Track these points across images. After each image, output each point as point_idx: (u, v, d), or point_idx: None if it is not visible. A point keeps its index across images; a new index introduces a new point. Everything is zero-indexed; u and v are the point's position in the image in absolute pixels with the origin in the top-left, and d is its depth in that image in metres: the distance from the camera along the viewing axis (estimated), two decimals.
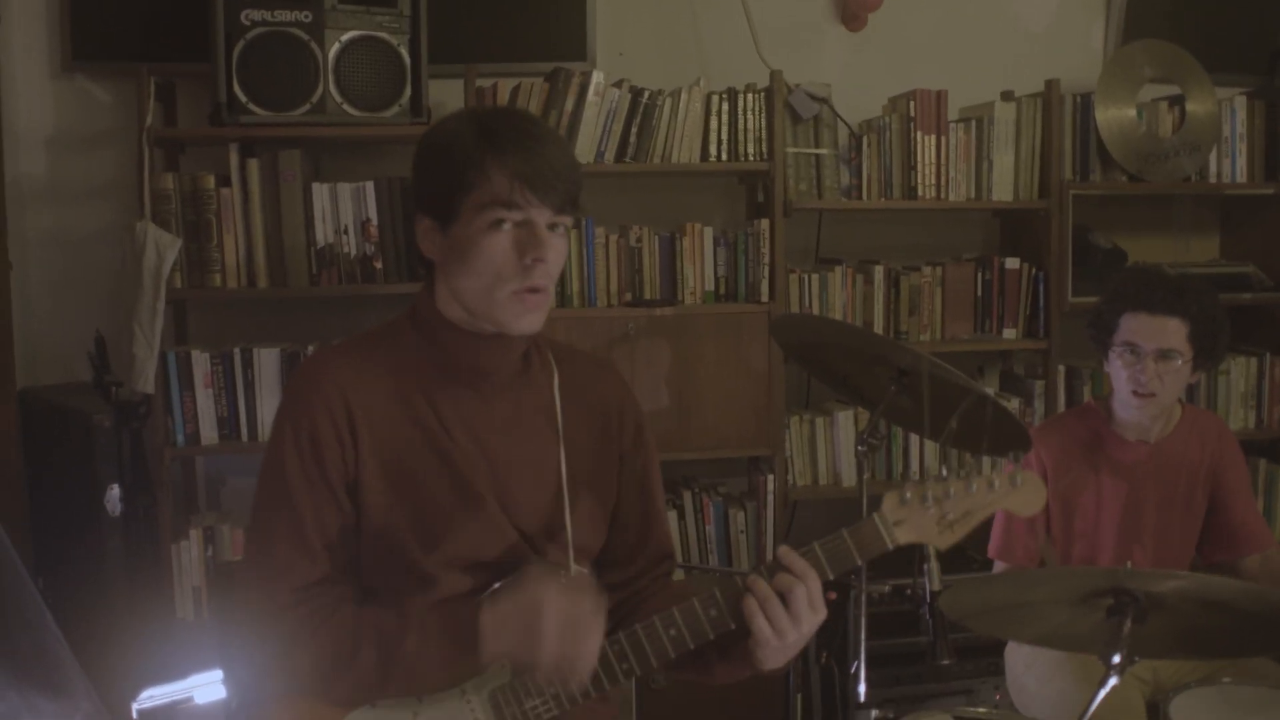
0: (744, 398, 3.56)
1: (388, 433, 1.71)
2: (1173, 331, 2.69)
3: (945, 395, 2.12)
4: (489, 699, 1.70)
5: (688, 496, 3.66)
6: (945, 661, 2.47)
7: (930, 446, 3.45)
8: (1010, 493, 1.70)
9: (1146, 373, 2.69)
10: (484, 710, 1.70)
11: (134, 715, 2.71)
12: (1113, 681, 2.00)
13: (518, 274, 1.66)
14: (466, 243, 1.66)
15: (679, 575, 1.92)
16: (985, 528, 2.96)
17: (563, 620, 1.60)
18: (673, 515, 3.62)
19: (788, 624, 1.65)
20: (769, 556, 3.64)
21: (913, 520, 1.69)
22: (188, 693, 2.75)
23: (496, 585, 1.70)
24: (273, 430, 1.75)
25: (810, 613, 1.66)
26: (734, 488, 3.80)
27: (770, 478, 3.61)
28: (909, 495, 1.69)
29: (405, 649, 1.65)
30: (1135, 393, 2.72)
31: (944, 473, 1.72)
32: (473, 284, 1.68)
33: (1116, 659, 1.98)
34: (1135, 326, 2.71)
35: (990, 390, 3.83)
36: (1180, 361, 2.70)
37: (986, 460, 1.74)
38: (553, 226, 1.69)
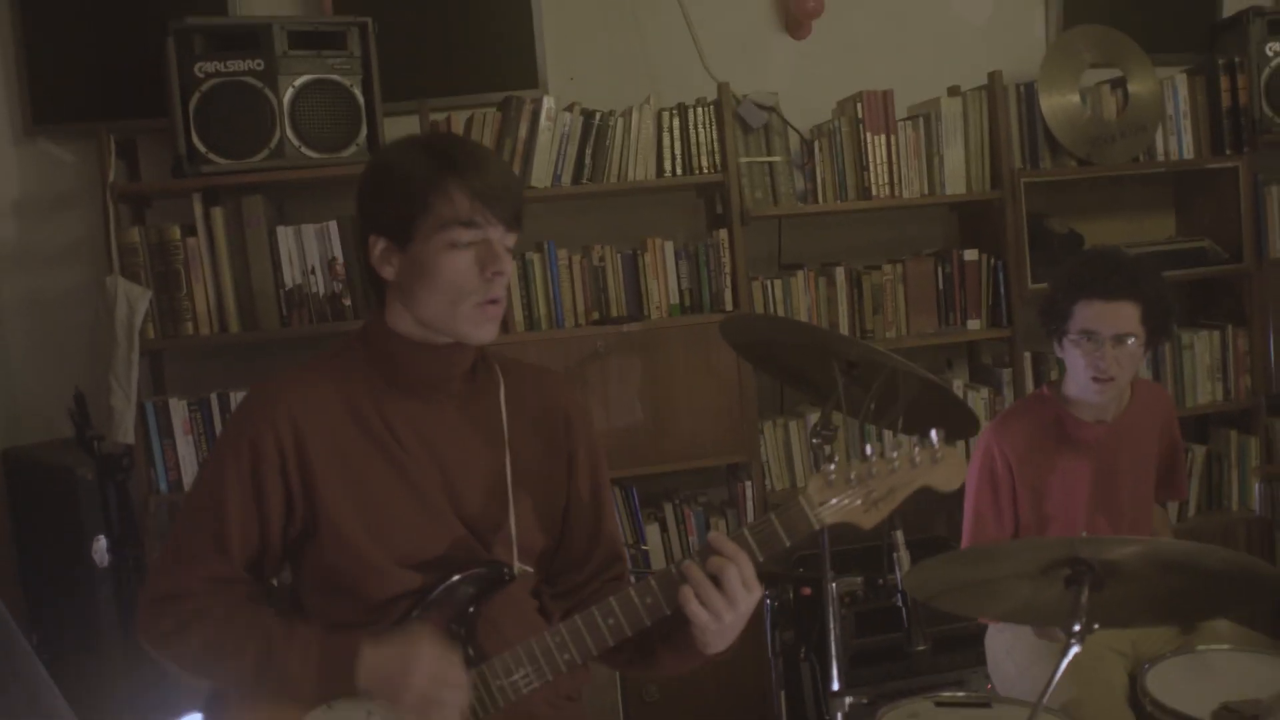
0: (717, 407, 3.61)
1: (340, 443, 1.79)
2: (1127, 316, 2.74)
3: (894, 382, 2.17)
4: None
5: (669, 509, 3.71)
6: (920, 648, 2.53)
7: (889, 437, 3.51)
8: (932, 468, 1.75)
9: (1105, 359, 2.74)
10: None
11: None
12: (1074, 649, 2.04)
13: (479, 288, 1.76)
14: (427, 261, 1.75)
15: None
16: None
17: (428, 679, 1.69)
18: (655, 528, 3.67)
19: (723, 605, 1.71)
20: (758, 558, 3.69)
21: (838, 500, 1.75)
22: None
23: (383, 626, 1.78)
24: (218, 439, 1.85)
25: (745, 592, 1.71)
26: (714, 497, 3.85)
27: (749, 484, 3.66)
28: (834, 476, 1.74)
29: (285, 661, 1.74)
30: (1095, 379, 2.77)
31: (869, 452, 1.76)
32: (435, 300, 1.76)
33: (1076, 627, 2.02)
34: (1091, 314, 2.76)
35: (958, 381, 3.90)
36: (1135, 344, 2.76)
37: (908, 439, 1.79)
38: (504, 238, 1.78)
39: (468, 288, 1.75)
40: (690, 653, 1.80)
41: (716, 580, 1.71)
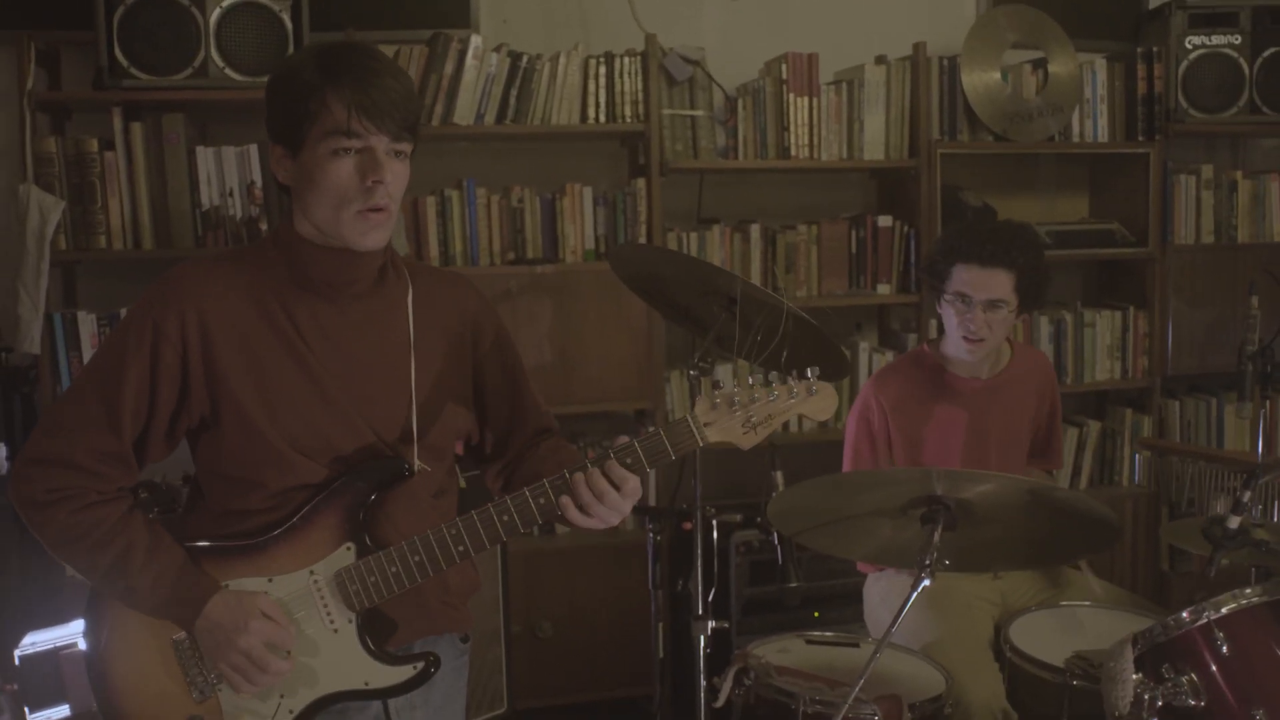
0: (625, 353, 3.68)
1: (244, 332, 1.83)
2: (1000, 283, 2.86)
3: (775, 325, 2.24)
4: (334, 578, 1.85)
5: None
6: (794, 584, 2.60)
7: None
8: (807, 399, 1.84)
9: (976, 321, 2.86)
10: (329, 587, 1.85)
11: (16, 661, 2.77)
12: (925, 583, 2.14)
13: (360, 195, 1.80)
14: (313, 168, 1.80)
15: None
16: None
17: (259, 644, 1.79)
18: None
19: (604, 514, 1.83)
20: (650, 500, 3.77)
21: (721, 422, 1.84)
22: (71, 639, 2.81)
23: (240, 583, 1.85)
24: (123, 317, 1.89)
25: (624, 502, 1.83)
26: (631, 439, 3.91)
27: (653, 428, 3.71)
28: (718, 400, 1.84)
29: (139, 577, 1.81)
30: (966, 338, 2.88)
31: (751, 381, 1.85)
32: (320, 205, 1.82)
33: (927, 561, 2.12)
34: (967, 278, 2.87)
35: (865, 344, 3.99)
36: (1006, 310, 2.87)
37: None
38: (394, 153, 1.82)
39: (349, 195, 1.79)
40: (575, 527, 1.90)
41: (600, 497, 1.80)
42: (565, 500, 1.81)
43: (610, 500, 1.81)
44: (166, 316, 1.81)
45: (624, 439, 1.85)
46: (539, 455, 2.03)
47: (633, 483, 1.83)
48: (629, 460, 1.82)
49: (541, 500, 1.83)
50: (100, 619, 1.89)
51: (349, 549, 1.85)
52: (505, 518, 1.84)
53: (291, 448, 1.84)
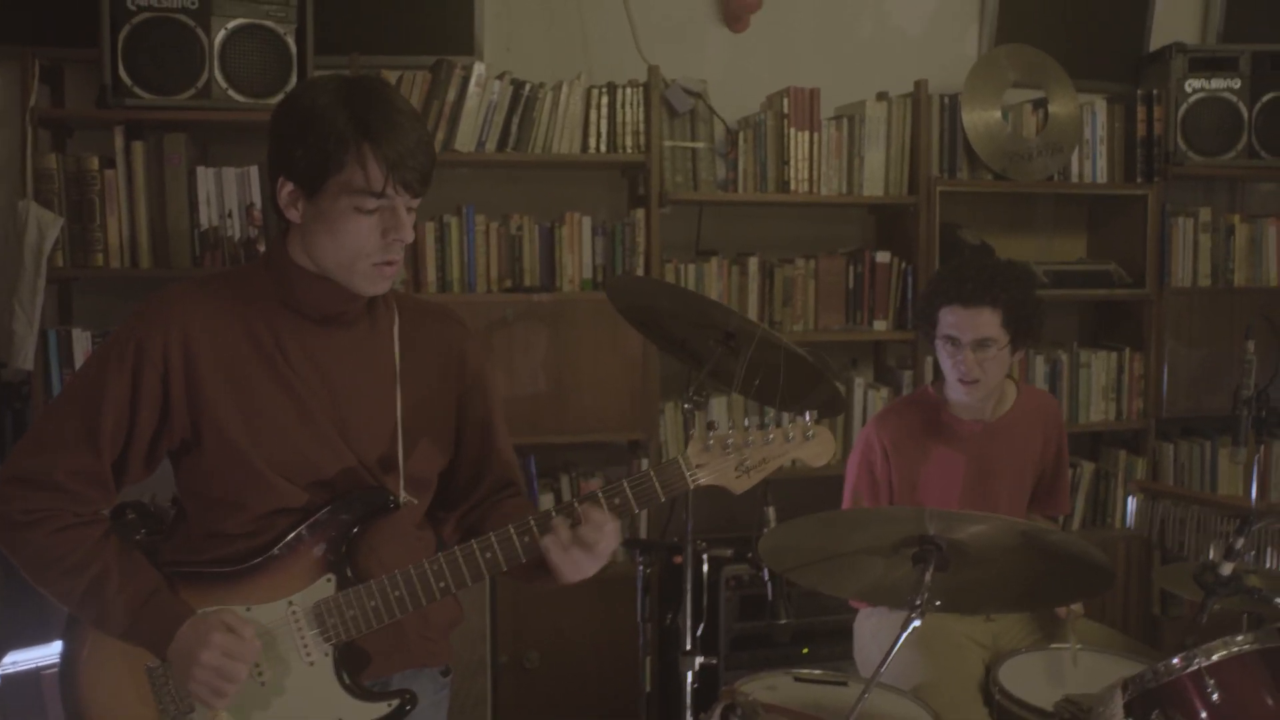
0: (619, 383, 3.67)
1: (230, 355, 1.82)
2: (986, 321, 2.83)
3: (770, 360, 2.24)
4: (313, 609, 1.83)
5: (565, 480, 3.76)
6: (783, 621, 2.60)
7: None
8: (803, 444, 1.83)
9: (967, 362, 2.84)
10: (307, 618, 1.83)
11: None
12: (915, 623, 2.12)
13: (379, 250, 1.80)
14: (333, 217, 1.78)
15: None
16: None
17: (219, 656, 1.75)
18: (549, 498, 3.72)
19: (583, 561, 1.81)
20: (641, 534, 3.76)
21: (713, 464, 1.83)
22: (53, 659, 2.78)
23: (266, 539, 1.85)
24: (108, 338, 1.87)
25: (607, 546, 1.81)
26: (612, 473, 3.90)
27: (645, 462, 3.71)
28: (711, 442, 1.83)
29: (113, 604, 1.79)
30: (960, 380, 2.87)
31: (746, 424, 1.84)
32: (334, 254, 1.80)
33: (918, 601, 2.10)
34: (952, 320, 2.85)
35: (861, 380, 3.98)
36: (996, 348, 2.84)
37: (786, 414, 1.87)
38: (410, 208, 1.82)
39: (367, 249, 1.79)
40: (551, 580, 1.87)
41: (582, 540, 1.79)
42: (547, 542, 1.79)
43: (591, 545, 1.79)
44: (150, 337, 1.80)
45: (617, 483, 1.83)
46: (503, 512, 2.00)
47: (613, 529, 1.81)
48: (617, 500, 1.81)
49: (526, 539, 1.81)
50: (77, 642, 1.87)
51: (329, 580, 1.84)
52: (488, 555, 1.82)
53: (273, 471, 1.82)
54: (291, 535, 1.84)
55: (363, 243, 1.78)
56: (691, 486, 1.83)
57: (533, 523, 1.81)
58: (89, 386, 1.81)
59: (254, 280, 1.89)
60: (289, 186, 1.80)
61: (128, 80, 3.30)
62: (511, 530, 1.81)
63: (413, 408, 1.92)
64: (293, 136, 1.79)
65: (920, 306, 2.95)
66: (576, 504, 1.81)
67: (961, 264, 2.98)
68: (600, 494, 1.81)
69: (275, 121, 1.82)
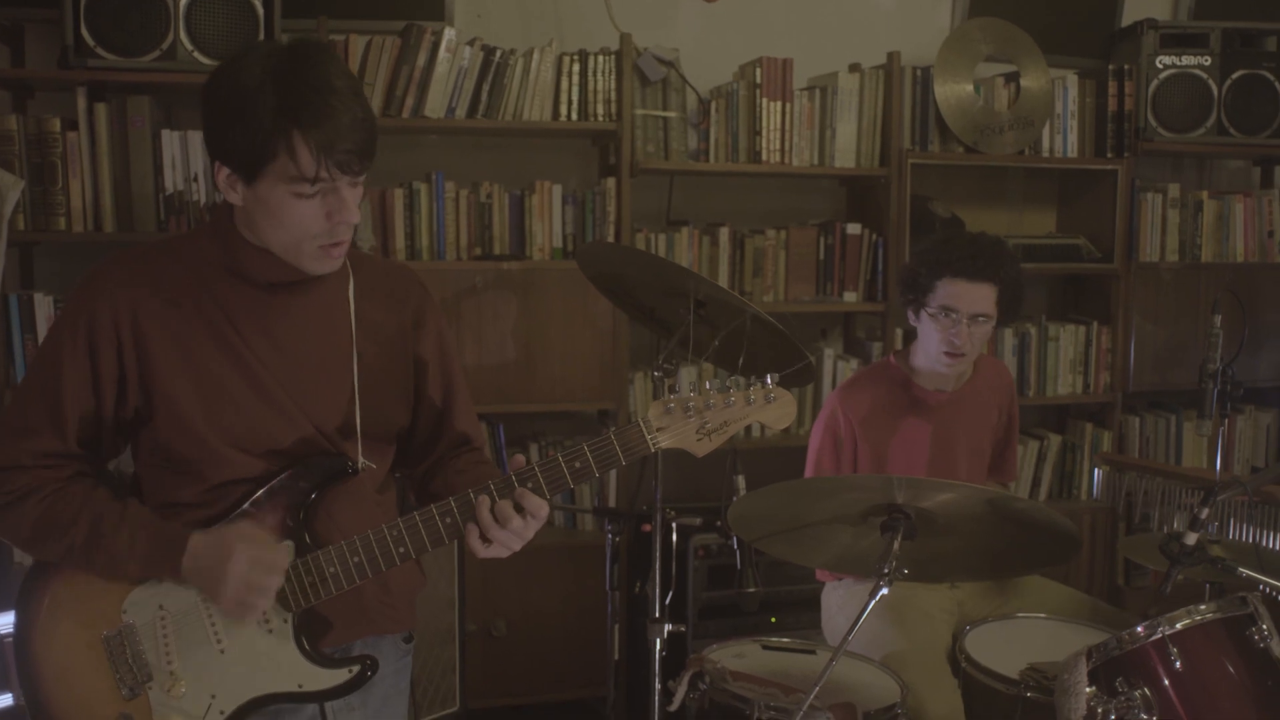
0: (589, 352, 3.66)
1: (177, 329, 1.78)
2: (985, 297, 2.86)
3: (740, 328, 2.23)
4: None
5: (534, 449, 3.75)
6: (751, 589, 2.60)
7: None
8: (764, 407, 1.82)
9: (961, 335, 2.85)
10: None
11: None
12: (883, 591, 2.13)
13: (324, 232, 1.75)
14: (273, 204, 1.72)
15: None
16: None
17: (247, 563, 1.74)
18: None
19: (508, 541, 1.79)
20: (611, 502, 3.75)
21: (674, 428, 1.80)
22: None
23: (220, 509, 1.82)
24: (58, 316, 1.84)
25: (528, 529, 1.79)
26: (581, 442, 3.89)
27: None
28: (672, 405, 1.80)
29: (115, 540, 1.77)
30: (947, 353, 2.87)
31: (708, 386, 1.82)
32: (278, 237, 1.76)
33: (885, 570, 2.11)
34: (954, 291, 2.85)
35: (830, 350, 3.98)
36: (988, 323, 2.88)
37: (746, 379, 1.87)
38: (353, 184, 1.76)
39: (312, 231, 1.74)
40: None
41: (504, 525, 1.76)
42: (470, 530, 1.78)
43: (514, 527, 1.76)
44: (99, 312, 1.77)
45: (576, 446, 1.81)
46: (456, 468, 1.98)
47: (543, 512, 1.78)
48: (578, 464, 1.79)
49: (448, 520, 1.80)
50: (30, 612, 1.83)
51: (287, 548, 1.81)
52: (448, 520, 1.80)
53: (228, 444, 1.80)
54: (249, 503, 1.81)
55: (307, 226, 1.73)
56: (652, 449, 1.80)
57: (455, 505, 1.79)
58: (47, 369, 1.79)
59: (197, 247, 1.84)
60: (225, 171, 1.74)
61: (90, 40, 3.24)
62: (470, 495, 1.79)
63: (370, 368, 1.89)
64: (223, 121, 1.71)
65: (912, 276, 2.92)
66: (497, 488, 1.78)
67: (956, 237, 2.99)
68: (560, 457, 1.79)
69: (206, 102, 1.74)
